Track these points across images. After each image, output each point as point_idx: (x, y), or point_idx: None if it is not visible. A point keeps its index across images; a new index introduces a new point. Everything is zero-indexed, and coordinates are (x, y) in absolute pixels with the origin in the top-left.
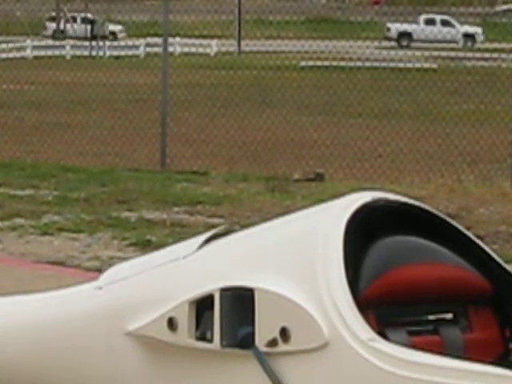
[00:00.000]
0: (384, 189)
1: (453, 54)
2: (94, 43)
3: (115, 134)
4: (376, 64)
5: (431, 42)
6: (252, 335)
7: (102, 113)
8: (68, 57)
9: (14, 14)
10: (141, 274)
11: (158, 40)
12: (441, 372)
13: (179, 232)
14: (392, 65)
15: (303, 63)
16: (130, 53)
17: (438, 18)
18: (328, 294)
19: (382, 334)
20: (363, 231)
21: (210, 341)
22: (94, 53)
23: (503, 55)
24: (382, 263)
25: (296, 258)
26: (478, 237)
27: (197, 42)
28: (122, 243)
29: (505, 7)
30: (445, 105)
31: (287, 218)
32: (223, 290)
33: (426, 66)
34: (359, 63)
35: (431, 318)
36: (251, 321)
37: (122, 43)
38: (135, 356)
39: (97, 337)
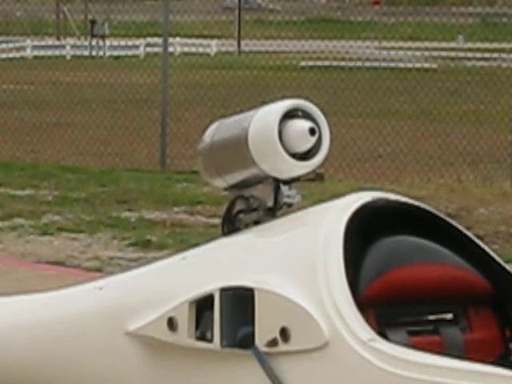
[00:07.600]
0: (384, 189)
1: (453, 54)
2: (93, 43)
3: (115, 134)
4: (376, 64)
5: None
6: (252, 335)
7: (102, 113)
8: (68, 57)
9: (14, 13)
10: (140, 274)
11: (158, 40)
12: (441, 372)
13: (179, 232)
14: (392, 65)
15: (303, 63)
16: (129, 53)
17: None
18: (328, 294)
19: (382, 334)
20: (363, 231)
21: (210, 341)
22: (94, 53)
23: (503, 55)
24: (381, 263)
25: (296, 258)
26: (478, 237)
27: (197, 41)
28: (122, 243)
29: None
30: (445, 105)
31: (287, 217)
32: (223, 290)
33: (426, 65)
34: (359, 63)
35: (431, 318)
36: (251, 321)
37: (122, 43)
38: (135, 356)
39: (97, 337)
